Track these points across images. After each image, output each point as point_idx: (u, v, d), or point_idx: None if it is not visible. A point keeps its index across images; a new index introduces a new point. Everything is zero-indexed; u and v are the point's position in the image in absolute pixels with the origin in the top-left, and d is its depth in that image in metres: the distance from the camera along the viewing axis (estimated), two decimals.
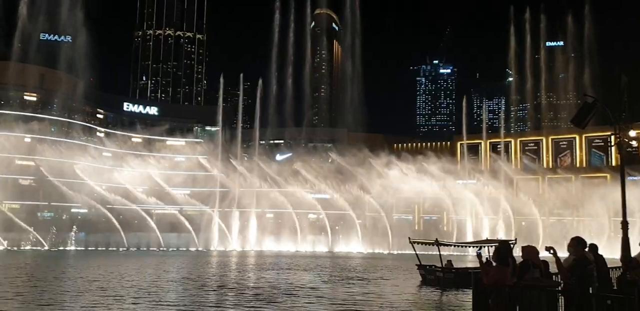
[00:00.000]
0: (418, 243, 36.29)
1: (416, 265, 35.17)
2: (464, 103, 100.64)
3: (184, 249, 70.94)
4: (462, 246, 41.31)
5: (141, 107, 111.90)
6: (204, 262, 51.00)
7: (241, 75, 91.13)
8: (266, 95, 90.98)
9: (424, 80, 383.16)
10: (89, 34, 77.01)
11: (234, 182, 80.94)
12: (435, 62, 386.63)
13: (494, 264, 13.05)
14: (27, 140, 79.31)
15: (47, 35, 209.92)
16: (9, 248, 61.94)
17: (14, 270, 38.33)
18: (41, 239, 64.17)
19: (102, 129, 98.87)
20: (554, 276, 13.33)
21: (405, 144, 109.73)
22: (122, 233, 68.79)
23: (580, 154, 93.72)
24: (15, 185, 72.81)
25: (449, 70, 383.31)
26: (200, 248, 72.07)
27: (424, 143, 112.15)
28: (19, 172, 75.63)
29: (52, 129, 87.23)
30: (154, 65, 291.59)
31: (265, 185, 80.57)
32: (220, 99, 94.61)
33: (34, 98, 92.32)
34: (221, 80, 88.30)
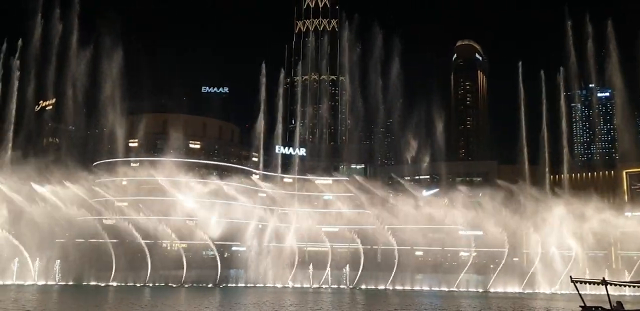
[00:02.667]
0: (582, 282, 33.45)
1: (580, 306, 32.41)
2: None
3: (336, 286, 72.06)
4: (634, 286, 37.30)
5: (291, 149, 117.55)
6: (351, 300, 51.27)
7: (380, 112, 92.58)
8: (409, 131, 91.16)
9: (579, 106, 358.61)
10: (243, 84, 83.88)
11: (381, 219, 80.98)
12: (591, 85, 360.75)
13: None
14: (192, 184, 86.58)
15: (207, 87, 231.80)
16: (174, 285, 67.40)
17: (182, 307, 41.67)
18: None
19: (257, 171, 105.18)
20: None
21: (562, 175, 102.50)
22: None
23: None
24: (182, 226, 79.32)
25: (607, 94, 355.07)
26: (350, 286, 72.63)
27: (583, 173, 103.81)
28: (186, 213, 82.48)
29: (214, 173, 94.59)
30: (302, 109, 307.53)
31: (413, 222, 79.45)
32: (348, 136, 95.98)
33: (198, 146, 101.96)
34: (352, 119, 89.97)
